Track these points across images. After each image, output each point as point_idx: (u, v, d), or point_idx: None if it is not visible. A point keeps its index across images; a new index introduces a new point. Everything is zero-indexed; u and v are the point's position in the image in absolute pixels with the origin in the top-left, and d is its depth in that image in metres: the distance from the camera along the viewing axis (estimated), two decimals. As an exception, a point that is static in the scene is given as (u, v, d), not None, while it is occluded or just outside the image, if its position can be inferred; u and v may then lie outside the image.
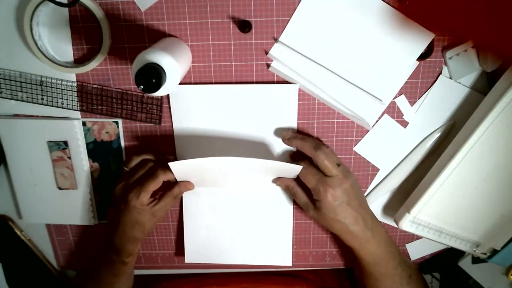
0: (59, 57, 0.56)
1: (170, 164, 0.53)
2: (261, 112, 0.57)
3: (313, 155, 0.53)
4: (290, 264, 0.63)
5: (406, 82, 0.56)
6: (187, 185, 0.58)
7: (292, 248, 0.64)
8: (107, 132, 0.60)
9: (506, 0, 0.40)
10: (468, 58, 0.53)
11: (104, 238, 0.60)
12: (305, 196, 0.56)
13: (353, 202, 0.54)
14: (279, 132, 0.58)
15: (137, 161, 0.59)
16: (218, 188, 0.60)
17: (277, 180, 0.58)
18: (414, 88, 0.56)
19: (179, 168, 0.55)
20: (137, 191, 0.54)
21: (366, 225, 0.54)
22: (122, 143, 0.61)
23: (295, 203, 0.61)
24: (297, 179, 0.56)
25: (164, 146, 0.60)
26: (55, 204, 0.63)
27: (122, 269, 0.59)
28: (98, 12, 0.52)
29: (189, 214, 0.62)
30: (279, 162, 0.54)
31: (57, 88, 0.57)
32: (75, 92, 0.58)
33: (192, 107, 0.57)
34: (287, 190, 0.59)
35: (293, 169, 0.54)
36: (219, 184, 0.59)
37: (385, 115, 0.58)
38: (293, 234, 0.64)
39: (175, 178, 0.57)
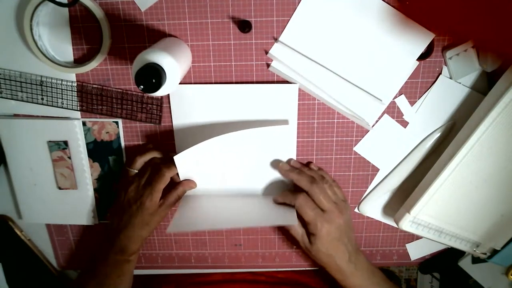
0: (59, 57, 0.56)
1: (175, 157, 0.54)
2: (261, 112, 0.57)
3: (308, 189, 0.54)
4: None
5: (406, 82, 0.56)
6: (190, 184, 0.59)
7: (293, 249, 0.64)
8: (107, 132, 0.60)
9: (506, 0, 0.40)
10: (468, 58, 0.53)
11: (104, 239, 0.60)
12: (300, 228, 0.57)
13: (343, 237, 0.56)
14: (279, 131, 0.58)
15: (142, 162, 0.59)
16: (220, 182, 0.60)
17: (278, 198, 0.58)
18: (414, 88, 0.56)
19: (183, 160, 0.55)
20: (149, 192, 0.55)
21: (350, 259, 0.56)
22: (122, 143, 0.61)
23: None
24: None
25: (164, 146, 0.60)
26: (55, 204, 0.63)
27: (126, 268, 0.59)
28: (98, 12, 0.52)
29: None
30: (276, 207, 0.56)
31: (57, 88, 0.57)
32: (75, 92, 0.58)
33: (192, 107, 0.57)
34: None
35: (289, 216, 0.54)
36: (221, 177, 0.59)
37: (385, 115, 0.58)
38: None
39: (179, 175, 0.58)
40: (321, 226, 0.54)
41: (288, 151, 0.58)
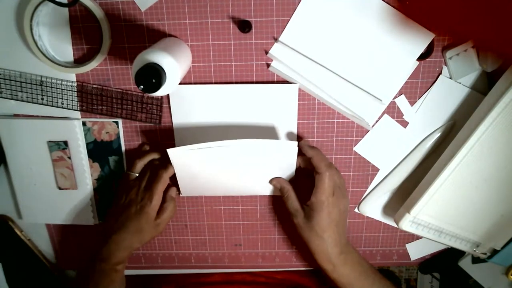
0: (59, 57, 0.56)
1: (168, 151, 0.54)
2: (261, 112, 0.57)
3: (324, 172, 0.53)
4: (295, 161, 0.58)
5: (406, 82, 0.56)
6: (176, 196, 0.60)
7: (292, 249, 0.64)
8: (107, 132, 0.60)
9: (506, 0, 0.40)
10: (468, 58, 0.53)
11: (99, 241, 0.59)
12: (297, 202, 0.57)
13: (340, 225, 0.56)
14: (279, 131, 0.58)
15: (142, 165, 0.59)
16: (216, 183, 0.60)
17: (274, 180, 0.58)
18: (414, 88, 0.56)
19: (177, 155, 0.55)
20: (149, 196, 0.56)
21: (342, 249, 0.56)
22: (122, 143, 0.61)
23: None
24: (293, 184, 0.57)
25: (164, 146, 0.60)
26: (55, 204, 0.63)
27: (115, 276, 0.58)
28: (98, 12, 0.52)
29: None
30: (275, 140, 0.54)
31: (57, 88, 0.57)
32: (75, 92, 0.58)
33: (192, 107, 0.57)
34: (281, 192, 0.58)
35: (290, 145, 0.54)
36: (217, 178, 0.59)
37: (385, 115, 0.58)
38: (293, 236, 0.64)
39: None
40: (325, 206, 0.54)
41: (289, 164, 0.57)
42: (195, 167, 0.57)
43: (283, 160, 0.56)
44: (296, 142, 0.54)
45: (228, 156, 0.55)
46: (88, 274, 0.58)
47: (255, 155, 0.55)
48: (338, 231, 0.55)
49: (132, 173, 0.59)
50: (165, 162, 0.57)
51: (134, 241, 0.57)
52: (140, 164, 0.59)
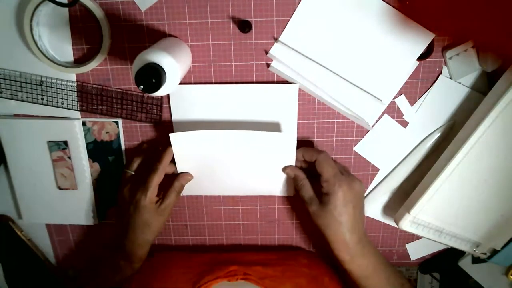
0: (59, 57, 0.56)
1: (171, 135, 0.53)
2: (261, 112, 0.57)
3: (317, 155, 0.54)
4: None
5: (406, 82, 0.56)
6: (187, 176, 0.58)
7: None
8: (107, 132, 0.60)
9: (506, 0, 0.40)
10: (468, 58, 0.53)
11: (110, 242, 0.59)
12: (312, 190, 0.55)
13: (357, 209, 0.54)
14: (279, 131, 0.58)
15: (139, 162, 0.59)
16: (215, 174, 0.59)
17: (288, 168, 0.56)
18: (414, 88, 0.56)
19: (179, 140, 0.54)
20: (143, 189, 0.55)
21: (360, 237, 0.54)
22: (122, 143, 0.61)
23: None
24: (306, 173, 0.56)
25: (163, 146, 0.60)
26: (55, 204, 0.63)
27: (130, 273, 0.58)
28: (98, 12, 0.52)
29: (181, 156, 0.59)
30: (275, 132, 0.54)
31: (57, 88, 0.57)
32: (75, 92, 0.58)
33: (192, 107, 0.57)
34: (295, 181, 0.57)
35: (288, 136, 0.54)
36: (217, 168, 0.58)
37: (385, 115, 0.58)
38: (293, 236, 0.64)
39: (175, 170, 0.58)
40: (338, 186, 0.52)
41: (288, 156, 0.57)
42: (195, 156, 0.57)
43: (283, 154, 0.56)
44: (295, 132, 0.53)
45: (228, 147, 0.55)
46: (100, 272, 0.58)
47: (255, 148, 0.55)
48: (355, 216, 0.54)
49: (128, 171, 0.59)
50: (161, 155, 0.56)
51: (146, 235, 0.57)
52: (137, 162, 0.59)
